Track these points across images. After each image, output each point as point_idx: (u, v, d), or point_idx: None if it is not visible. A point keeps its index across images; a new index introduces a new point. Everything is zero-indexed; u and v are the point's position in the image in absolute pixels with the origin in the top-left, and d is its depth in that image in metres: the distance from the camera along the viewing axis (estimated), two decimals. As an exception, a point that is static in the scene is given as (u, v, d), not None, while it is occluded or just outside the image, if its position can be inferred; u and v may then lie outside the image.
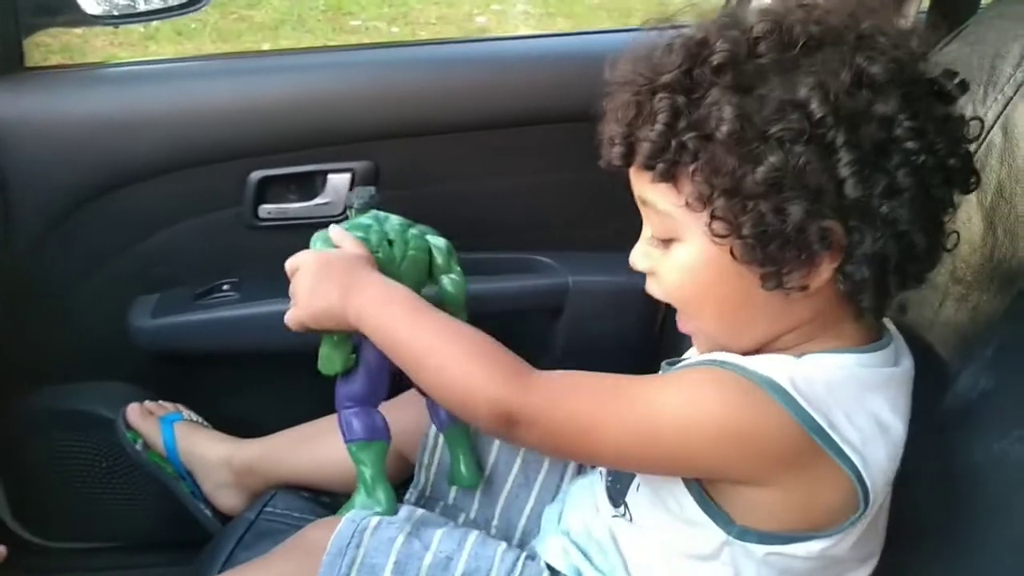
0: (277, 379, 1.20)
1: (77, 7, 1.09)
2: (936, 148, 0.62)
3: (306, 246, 1.19)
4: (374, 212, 0.92)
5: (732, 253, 0.63)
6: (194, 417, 1.15)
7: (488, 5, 4.43)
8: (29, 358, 1.17)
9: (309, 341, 1.15)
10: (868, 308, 0.65)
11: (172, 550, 1.14)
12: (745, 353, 0.68)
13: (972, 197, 0.83)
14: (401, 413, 0.98)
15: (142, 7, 1.19)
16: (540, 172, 1.23)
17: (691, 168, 0.62)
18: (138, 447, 1.09)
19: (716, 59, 0.61)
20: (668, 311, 1.26)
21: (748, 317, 0.67)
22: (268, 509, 1.00)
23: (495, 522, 0.93)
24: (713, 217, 0.62)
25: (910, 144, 0.61)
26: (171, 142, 1.11)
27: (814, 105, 0.59)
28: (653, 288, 0.71)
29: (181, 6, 1.16)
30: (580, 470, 0.98)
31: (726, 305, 0.67)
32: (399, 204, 1.19)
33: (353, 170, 1.17)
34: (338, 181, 1.17)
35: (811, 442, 0.63)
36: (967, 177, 0.66)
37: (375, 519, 0.82)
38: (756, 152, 0.60)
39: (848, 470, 0.64)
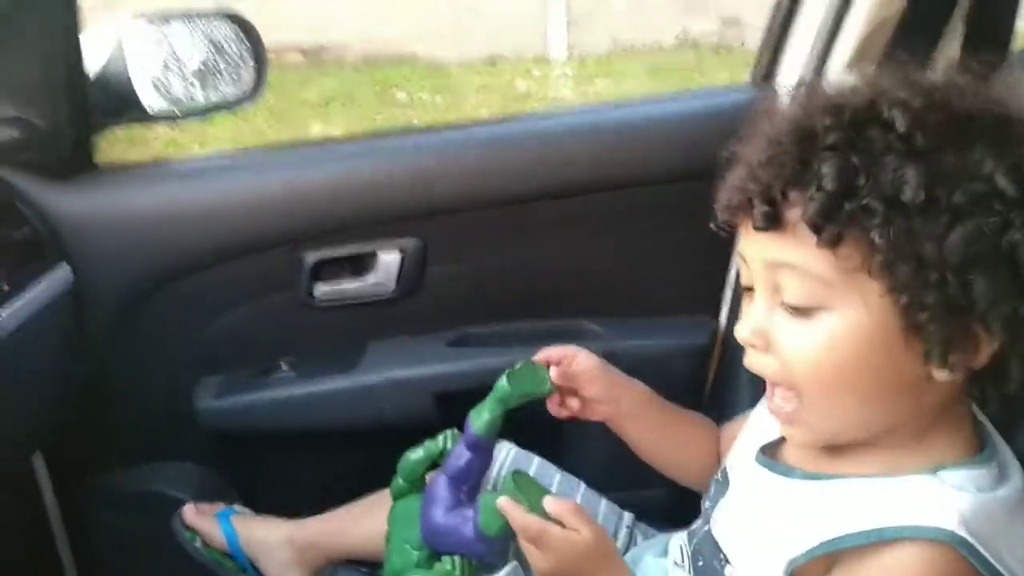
0: (333, 454, 1.23)
1: (141, 106, 1.16)
2: None
3: (360, 325, 1.23)
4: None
5: (905, 327, 0.59)
6: (245, 510, 1.17)
7: (528, 71, 4.52)
8: (102, 442, 1.22)
9: (361, 418, 1.19)
10: (1003, 396, 0.63)
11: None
12: (850, 442, 0.66)
13: None
14: None
15: (201, 102, 1.25)
16: (582, 241, 1.25)
17: (872, 234, 0.58)
18: (197, 545, 1.12)
19: (899, 124, 0.58)
20: (719, 374, 1.28)
21: (883, 400, 0.63)
22: (328, 584, 1.02)
23: None
24: (893, 287, 0.58)
25: None
26: (229, 231, 1.17)
27: (1001, 180, 0.57)
28: (764, 364, 0.66)
29: (238, 100, 1.22)
30: (632, 541, 0.98)
31: (868, 382, 0.62)
32: (448, 279, 1.24)
33: (403, 248, 1.21)
34: (388, 259, 1.21)
35: None
36: None
37: None
38: (945, 222, 0.57)
39: None
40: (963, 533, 0.60)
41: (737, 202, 0.64)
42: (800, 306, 0.62)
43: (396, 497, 1.00)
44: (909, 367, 0.61)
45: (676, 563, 0.83)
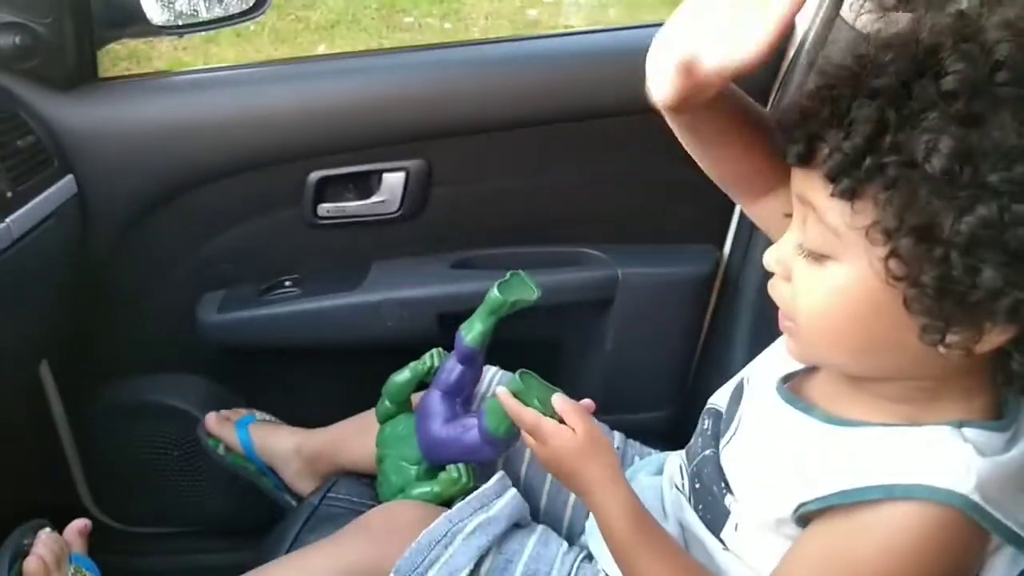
0: (336, 370, 1.25)
1: (144, 18, 1.14)
2: None
3: (364, 244, 1.24)
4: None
5: (903, 299, 0.56)
6: (266, 417, 1.19)
7: (539, -2, 4.42)
8: (106, 353, 1.24)
9: (364, 335, 1.20)
10: (1010, 379, 0.60)
11: (241, 534, 1.20)
12: (866, 399, 0.64)
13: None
14: None
15: (204, 16, 1.23)
16: (590, 167, 1.24)
17: (884, 195, 0.54)
18: (220, 451, 1.15)
19: (949, 82, 0.53)
20: (720, 302, 1.28)
21: (885, 360, 0.62)
22: (331, 494, 1.04)
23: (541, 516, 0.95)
24: (892, 255, 0.55)
25: None
26: (234, 146, 1.16)
27: None
28: (782, 293, 0.65)
29: (242, 14, 1.21)
30: (626, 459, 1.00)
31: (867, 341, 0.61)
32: (452, 201, 1.23)
33: (407, 168, 1.20)
34: (393, 179, 1.20)
35: (986, 546, 0.61)
36: None
37: (473, 523, 0.85)
38: (967, 198, 0.52)
39: None
40: (977, 498, 0.58)
41: (781, 132, 0.61)
42: (815, 251, 0.61)
43: (383, 420, 1.02)
44: (909, 335, 0.58)
45: (676, 485, 0.83)
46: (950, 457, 0.60)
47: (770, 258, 0.65)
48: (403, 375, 1.01)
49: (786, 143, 0.60)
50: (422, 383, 1.02)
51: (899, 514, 0.60)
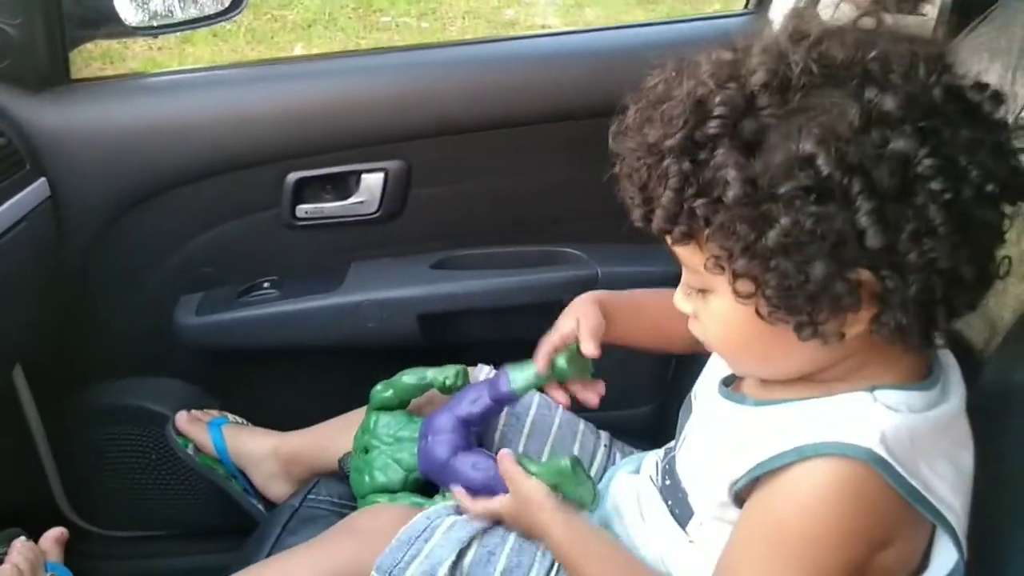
0: (315, 372, 1.24)
1: (118, 19, 1.13)
2: (970, 176, 0.57)
3: (343, 246, 1.23)
4: None
5: (757, 311, 0.62)
6: (238, 420, 1.19)
7: (516, -3, 4.42)
8: (82, 356, 1.22)
9: (344, 336, 1.20)
10: (915, 346, 0.63)
11: (221, 537, 1.19)
12: (790, 378, 0.68)
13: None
14: (439, 394, 1.02)
15: (179, 16, 1.22)
16: (568, 167, 1.25)
17: (704, 233, 0.61)
18: (190, 451, 1.13)
19: (713, 126, 0.59)
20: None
21: (789, 360, 0.67)
22: (311, 496, 1.04)
23: None
24: (735, 277, 0.61)
25: (935, 183, 0.56)
26: (211, 147, 1.15)
27: (820, 160, 0.56)
28: (696, 330, 0.71)
29: (217, 14, 1.20)
30: (611, 459, 1.01)
31: (766, 352, 0.67)
32: (431, 201, 1.23)
33: (386, 169, 1.20)
34: (371, 180, 1.20)
35: (909, 510, 0.63)
36: (1019, 189, 0.61)
37: (450, 519, 0.86)
38: (767, 214, 0.57)
39: (943, 527, 0.64)
40: (880, 451, 0.61)
41: (628, 202, 0.68)
42: (695, 287, 0.68)
43: (377, 406, 1.01)
44: (792, 336, 0.62)
45: (651, 478, 0.85)
46: (858, 416, 0.64)
47: (678, 298, 0.72)
48: (417, 378, 1.00)
49: (631, 210, 0.67)
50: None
51: (810, 472, 0.63)
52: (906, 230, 0.57)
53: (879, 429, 0.62)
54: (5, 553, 0.93)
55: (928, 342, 0.62)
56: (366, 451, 1.00)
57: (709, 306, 0.67)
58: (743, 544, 0.68)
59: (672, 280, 1.23)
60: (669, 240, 0.65)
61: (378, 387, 1.02)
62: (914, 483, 0.62)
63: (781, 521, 0.65)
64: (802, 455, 0.64)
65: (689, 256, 0.65)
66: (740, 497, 0.69)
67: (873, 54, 0.59)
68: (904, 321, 0.59)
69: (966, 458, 0.67)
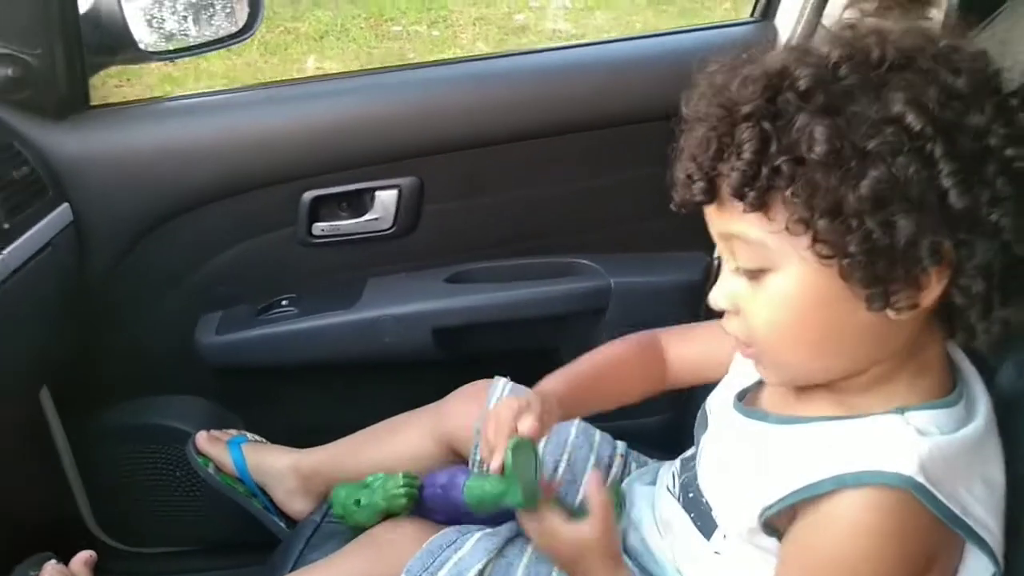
0: (333, 387, 1.26)
1: (135, 45, 1.15)
2: None
3: (359, 262, 1.25)
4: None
5: (840, 274, 0.61)
6: (257, 438, 1.20)
7: (526, 3, 4.43)
8: (105, 377, 1.25)
9: (361, 352, 1.21)
10: (969, 327, 0.63)
11: (245, 552, 1.21)
12: (823, 382, 0.68)
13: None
14: (456, 409, 1.03)
15: (194, 38, 1.25)
16: (580, 178, 1.26)
17: (788, 192, 0.60)
18: (210, 470, 1.15)
19: (802, 83, 0.60)
20: (710, 309, 1.30)
21: (844, 345, 0.66)
22: (333, 511, 1.05)
23: None
24: (816, 239, 0.60)
25: (1008, 152, 0.60)
26: (228, 168, 1.17)
27: (910, 118, 0.58)
28: (736, 327, 0.69)
29: (231, 36, 1.22)
30: (627, 469, 1.01)
31: (824, 332, 0.65)
32: (445, 216, 1.25)
33: (400, 186, 1.21)
34: (386, 197, 1.22)
35: (948, 532, 0.63)
36: None
37: (479, 533, 0.87)
38: (856, 169, 0.58)
39: (981, 549, 0.64)
40: (920, 478, 0.61)
41: (683, 181, 0.67)
42: (751, 269, 0.65)
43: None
44: (860, 313, 0.62)
45: (668, 488, 0.86)
46: (893, 442, 0.64)
47: (717, 296, 0.69)
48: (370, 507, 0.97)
49: (689, 188, 0.66)
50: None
51: (851, 504, 0.63)
52: (984, 195, 0.59)
53: (916, 455, 0.62)
54: None
55: (974, 332, 0.64)
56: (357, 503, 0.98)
57: (765, 288, 0.65)
58: None
59: (684, 289, 1.25)
60: (737, 209, 0.63)
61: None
62: (952, 507, 0.62)
63: (830, 558, 0.65)
64: (842, 484, 0.63)
65: (754, 227, 0.63)
66: (770, 523, 0.69)
67: (942, 43, 0.62)
68: (980, 288, 0.60)
69: (997, 474, 0.67)
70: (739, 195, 0.62)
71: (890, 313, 0.62)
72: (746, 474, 0.72)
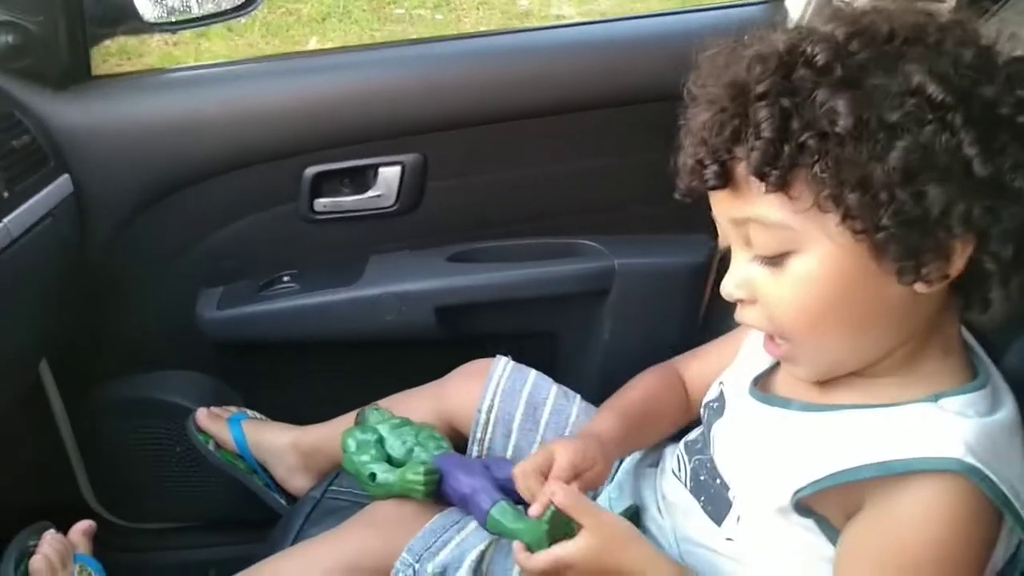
0: (334, 365, 1.25)
1: (137, 15, 1.14)
2: None
3: (361, 239, 1.24)
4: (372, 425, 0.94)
5: (871, 250, 0.60)
6: (257, 415, 1.20)
7: (530, -13, 4.41)
8: (105, 351, 1.24)
9: (363, 329, 1.21)
10: (984, 300, 0.64)
11: (245, 528, 1.20)
12: (853, 371, 0.67)
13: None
14: (457, 387, 1.02)
15: (196, 12, 1.23)
16: (584, 158, 1.25)
17: (814, 169, 0.59)
18: (211, 447, 1.15)
19: (820, 59, 0.60)
20: (715, 290, 1.29)
21: (874, 324, 0.65)
22: (333, 488, 1.05)
23: None
24: (847, 216, 0.59)
25: (1020, 119, 0.60)
26: (230, 142, 1.16)
27: (932, 89, 0.58)
28: (754, 316, 0.67)
29: (234, 9, 1.21)
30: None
31: (854, 313, 0.64)
32: (448, 194, 1.24)
33: (403, 163, 1.20)
34: (389, 174, 1.21)
35: (999, 516, 0.63)
36: None
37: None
38: (883, 141, 0.58)
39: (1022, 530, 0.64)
40: (970, 460, 0.61)
41: (691, 166, 0.66)
42: (771, 255, 0.64)
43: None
44: (888, 289, 0.62)
45: (673, 472, 0.85)
46: (935, 427, 0.63)
47: (729, 286, 0.67)
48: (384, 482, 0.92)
49: (699, 173, 0.64)
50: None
51: (916, 497, 0.63)
52: (1006, 162, 0.59)
53: (962, 438, 0.62)
54: (36, 545, 0.94)
55: (988, 302, 0.64)
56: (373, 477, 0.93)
57: (788, 272, 0.63)
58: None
59: (688, 271, 1.25)
60: (757, 191, 0.61)
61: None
62: (1004, 489, 0.62)
63: (894, 551, 0.64)
64: (889, 471, 0.63)
65: (775, 209, 0.62)
66: (803, 504, 0.68)
67: (945, 18, 0.63)
68: (1010, 252, 0.60)
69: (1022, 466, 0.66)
70: (761, 175, 0.60)
71: (919, 287, 0.61)
72: (771, 457, 0.71)
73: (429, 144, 1.20)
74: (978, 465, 0.61)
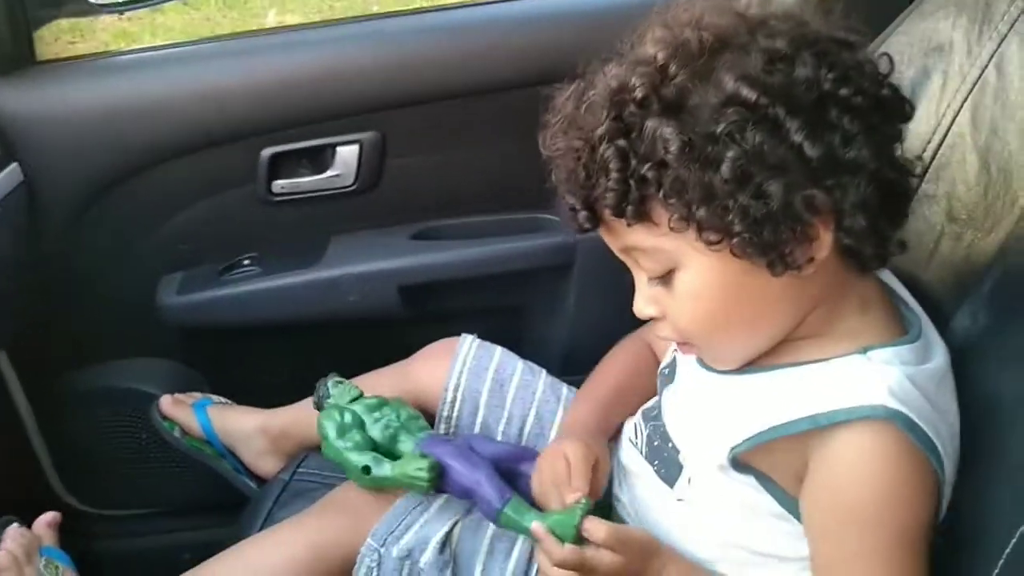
0: (299, 347, 1.25)
1: (82, -5, 1.11)
2: (864, 88, 0.64)
3: (321, 220, 1.23)
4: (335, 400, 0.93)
5: (732, 252, 0.64)
6: (222, 400, 1.19)
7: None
8: (66, 340, 1.23)
9: (326, 310, 1.20)
10: (873, 257, 0.67)
11: (214, 513, 1.20)
12: (773, 347, 0.70)
13: (967, 136, 0.84)
14: (423, 367, 1.03)
15: (146, -11, 1.21)
16: (542, 133, 1.24)
17: (660, 195, 0.63)
18: (176, 434, 1.14)
19: (638, 94, 0.63)
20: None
21: (771, 312, 0.68)
22: (301, 470, 1.05)
23: None
24: (701, 230, 0.63)
25: (842, 91, 0.63)
26: (184, 125, 1.14)
27: (745, 92, 0.61)
28: (665, 331, 0.72)
29: (185, -13, 1.18)
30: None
31: (747, 310, 0.68)
32: (408, 172, 1.23)
33: (361, 141, 1.19)
34: (347, 153, 1.20)
35: (933, 467, 0.65)
36: (902, 107, 0.69)
37: (446, 495, 0.87)
38: (711, 156, 0.62)
39: (940, 475, 0.66)
40: (895, 405, 0.63)
41: (568, 214, 0.71)
42: (659, 275, 0.68)
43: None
44: (770, 281, 0.65)
45: (630, 439, 0.87)
46: (859, 377, 0.66)
47: (640, 306, 0.72)
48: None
49: (574, 218, 0.69)
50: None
51: (847, 442, 0.65)
52: (835, 138, 0.62)
53: (884, 383, 0.65)
54: (-1, 541, 0.94)
55: (884, 260, 0.69)
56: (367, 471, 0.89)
57: (678, 287, 0.68)
58: (831, 550, 0.68)
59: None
60: (623, 224, 0.66)
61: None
62: (931, 435, 0.64)
63: (847, 504, 0.66)
64: (817, 424, 0.66)
65: (645, 236, 0.67)
66: (740, 460, 0.71)
67: (752, 12, 0.66)
68: (862, 224, 0.63)
69: (954, 418, 0.69)
70: (618, 213, 0.65)
71: (793, 273, 0.64)
72: (712, 418, 0.74)
73: (387, 122, 1.19)
74: (902, 410, 0.63)
